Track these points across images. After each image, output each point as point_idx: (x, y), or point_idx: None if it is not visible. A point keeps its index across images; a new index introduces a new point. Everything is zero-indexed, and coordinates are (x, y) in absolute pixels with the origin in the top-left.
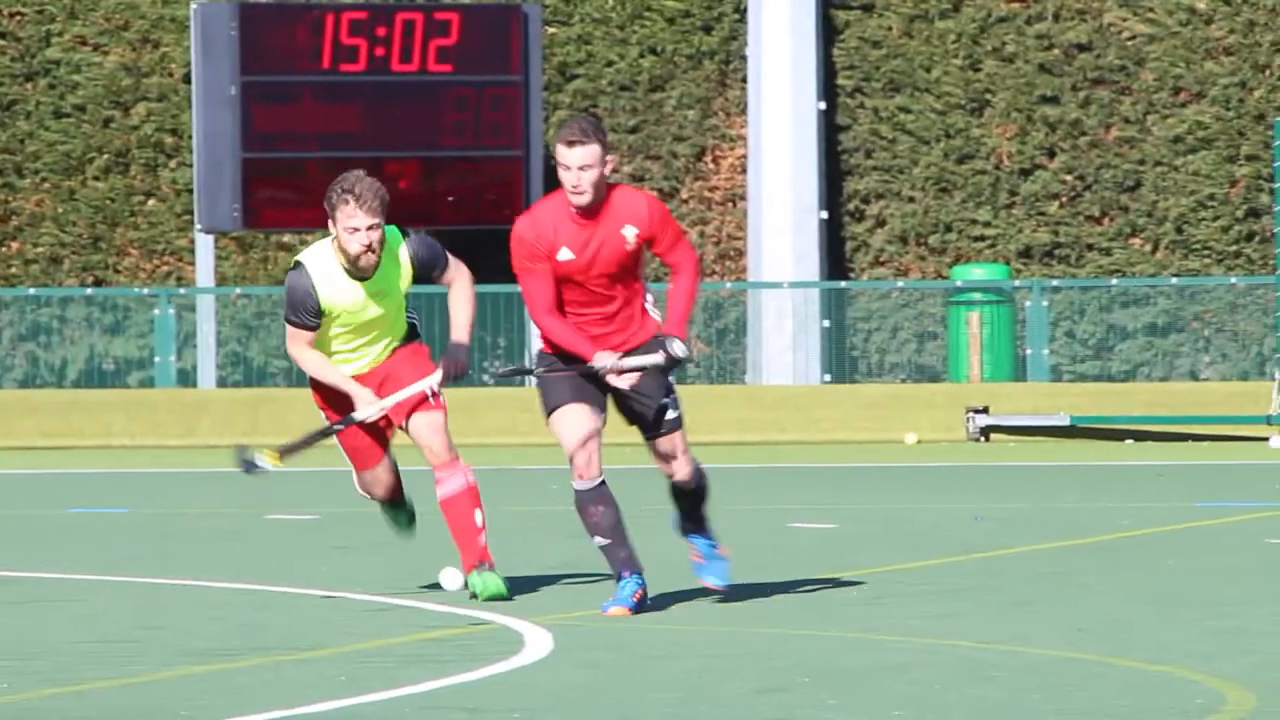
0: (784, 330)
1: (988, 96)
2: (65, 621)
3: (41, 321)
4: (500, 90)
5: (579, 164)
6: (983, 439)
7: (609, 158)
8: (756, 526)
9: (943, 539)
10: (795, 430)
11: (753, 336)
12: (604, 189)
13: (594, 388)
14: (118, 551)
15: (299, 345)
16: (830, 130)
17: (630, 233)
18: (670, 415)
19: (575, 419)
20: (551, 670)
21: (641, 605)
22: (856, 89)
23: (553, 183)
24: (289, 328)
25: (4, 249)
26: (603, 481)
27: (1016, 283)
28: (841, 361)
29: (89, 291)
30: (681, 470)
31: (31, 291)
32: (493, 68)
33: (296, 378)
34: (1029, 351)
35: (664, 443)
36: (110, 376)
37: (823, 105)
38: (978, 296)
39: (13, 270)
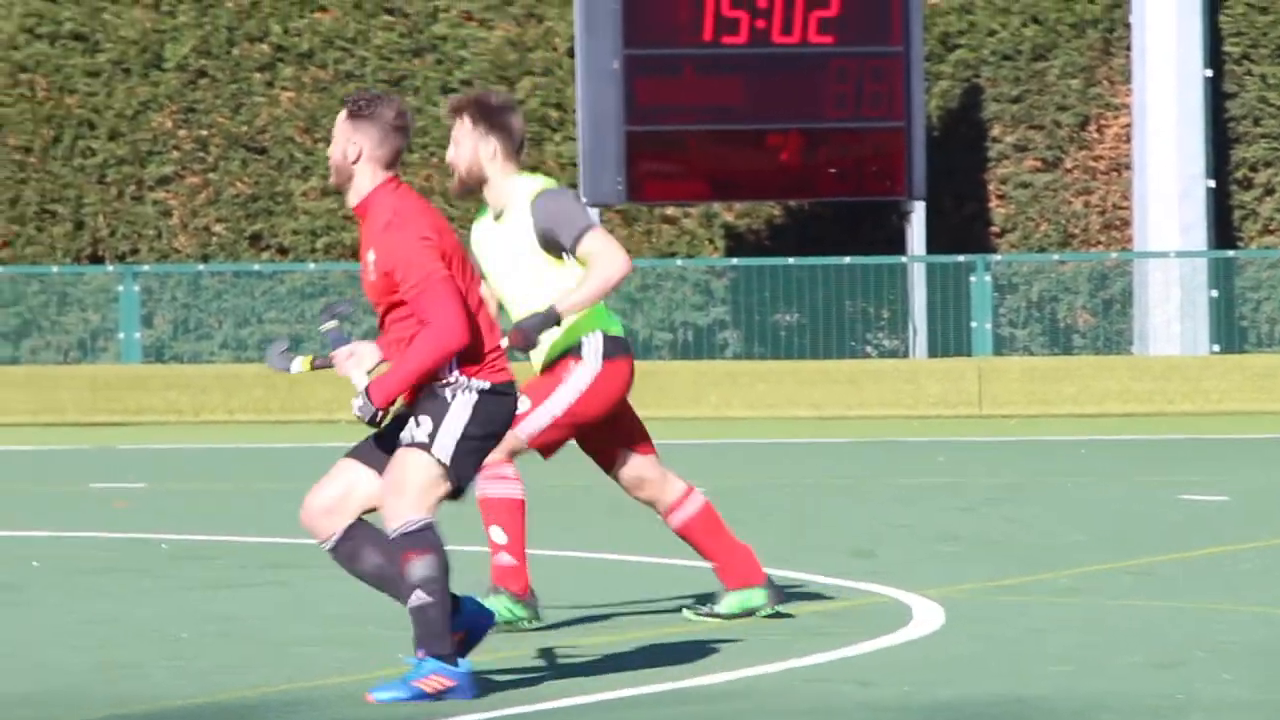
0: (1171, 300)
1: None
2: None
3: None
4: (881, 61)
5: None
6: None
7: (356, 138)
8: (1148, 499)
9: None
10: (1183, 401)
11: (1139, 306)
12: (351, 177)
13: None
14: None
15: None
16: (1217, 98)
17: (370, 259)
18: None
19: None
20: (942, 643)
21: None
22: (1244, 55)
23: (935, 153)
24: None
25: None
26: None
27: None
28: (1230, 331)
29: None
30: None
31: None
32: (874, 39)
33: (680, 350)
34: None
35: None
36: None
37: (1209, 73)
38: None
39: None
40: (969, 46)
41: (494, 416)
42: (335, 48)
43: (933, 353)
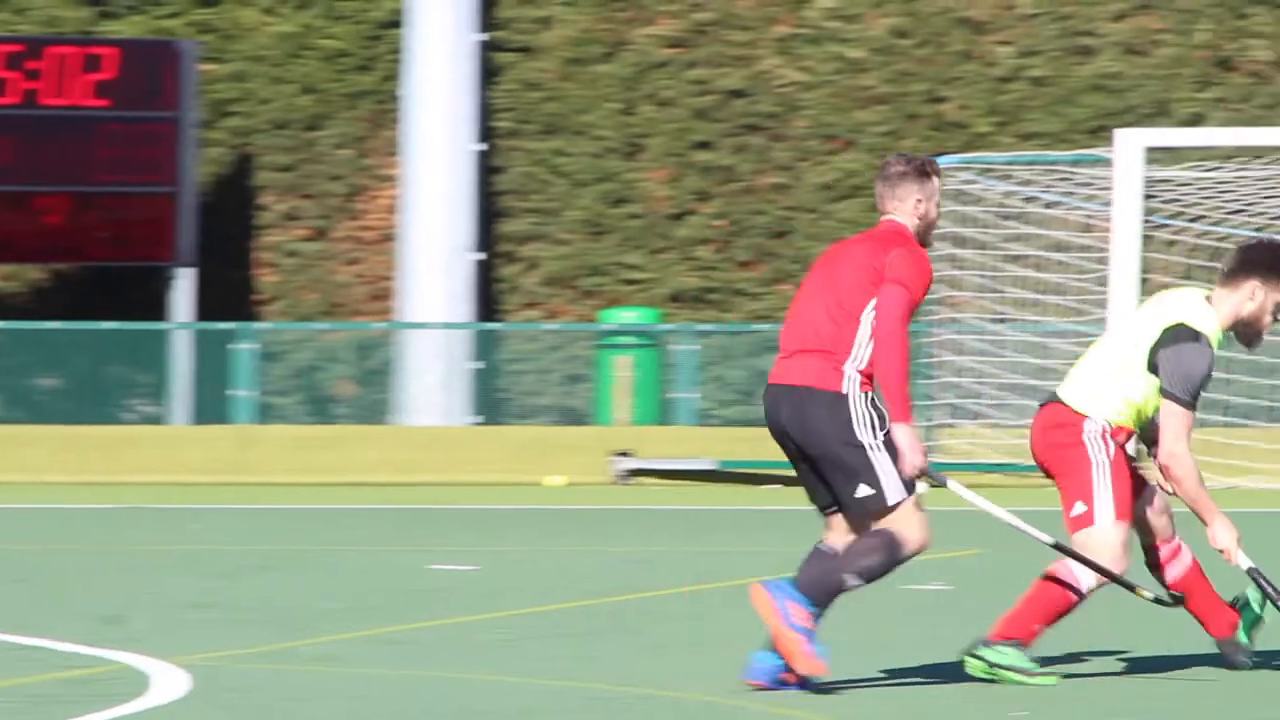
0: (433, 371)
1: (642, 141)
2: None
3: None
4: (154, 126)
5: None
6: (627, 482)
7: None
8: (397, 568)
9: (582, 581)
10: (442, 471)
11: (401, 377)
12: None
13: None
14: None
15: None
16: (488, 171)
17: None
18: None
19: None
20: (187, 710)
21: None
22: (513, 131)
23: (207, 222)
24: (1184, 414)
25: None
26: None
27: (665, 326)
28: (491, 403)
29: None
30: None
31: None
32: (148, 104)
33: None
34: (674, 395)
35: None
36: None
37: (482, 146)
38: (627, 340)
39: None
40: (244, 114)
41: None
42: None
43: (198, 420)
